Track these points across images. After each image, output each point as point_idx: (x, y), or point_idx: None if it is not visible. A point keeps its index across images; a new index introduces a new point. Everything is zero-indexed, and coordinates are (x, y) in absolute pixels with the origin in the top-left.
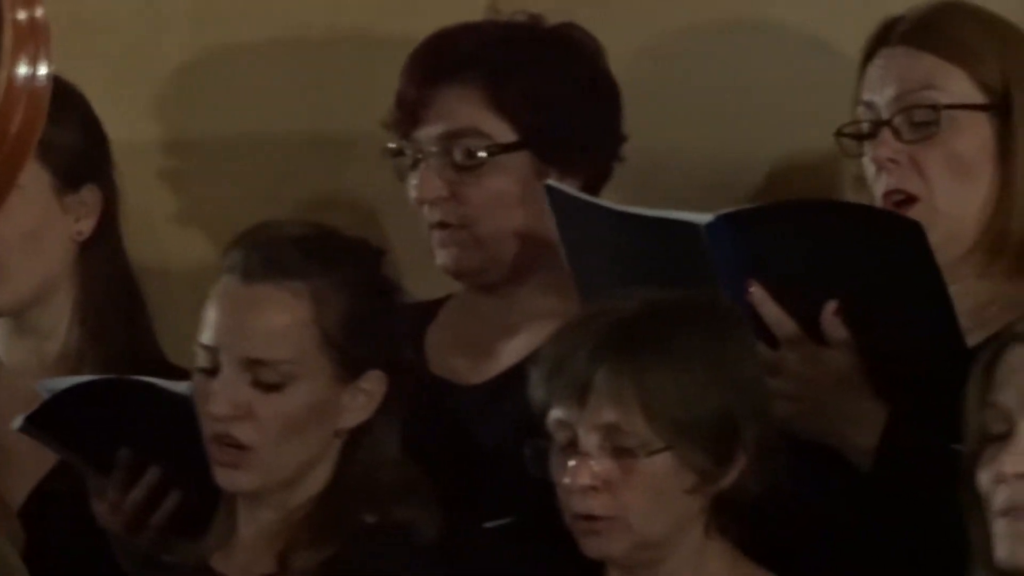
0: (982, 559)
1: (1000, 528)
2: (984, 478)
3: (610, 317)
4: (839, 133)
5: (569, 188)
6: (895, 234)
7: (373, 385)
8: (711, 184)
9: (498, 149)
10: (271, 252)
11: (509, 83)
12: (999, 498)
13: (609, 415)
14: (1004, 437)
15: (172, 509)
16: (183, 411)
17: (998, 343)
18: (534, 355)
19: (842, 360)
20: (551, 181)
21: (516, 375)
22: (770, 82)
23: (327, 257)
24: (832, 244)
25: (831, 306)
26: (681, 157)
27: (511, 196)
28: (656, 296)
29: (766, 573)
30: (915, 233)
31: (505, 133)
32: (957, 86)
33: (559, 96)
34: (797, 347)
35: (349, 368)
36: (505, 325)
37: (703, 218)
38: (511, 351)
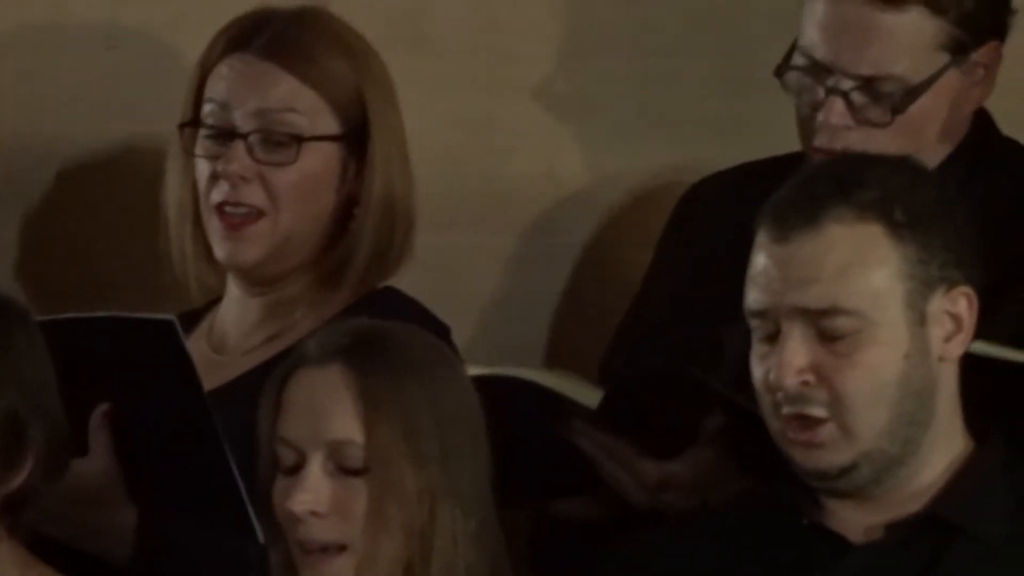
0: None
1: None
2: (280, 511)
3: None
4: (183, 125)
5: None
6: (149, 336)
7: None
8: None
9: None
10: None
11: None
12: (298, 534)
13: None
14: (296, 470)
15: None
16: None
17: (284, 368)
18: None
19: (95, 470)
20: None
21: None
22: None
23: None
24: (95, 354)
25: (99, 411)
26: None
27: None
28: None
29: (56, 574)
30: (167, 330)
31: None
32: (317, 113)
33: None
34: None
35: None
36: None
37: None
38: None
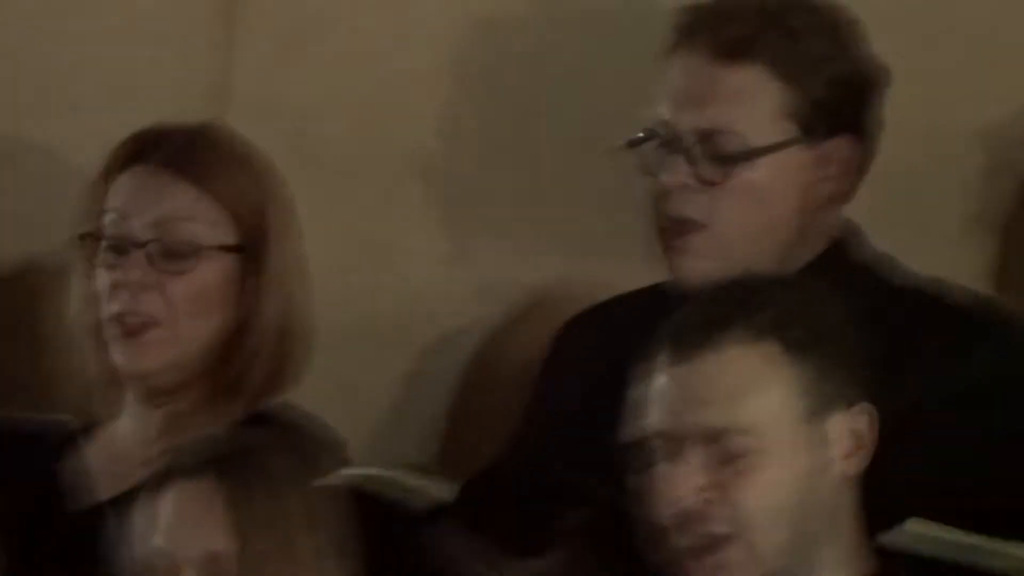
0: None
1: None
2: None
3: None
4: (84, 236)
5: None
6: (40, 438)
7: None
8: None
9: None
10: None
11: None
12: None
13: None
14: None
15: None
16: None
17: (155, 480)
18: None
19: None
20: None
21: None
22: None
23: None
24: None
25: None
26: None
27: None
28: None
29: None
30: (57, 433)
31: None
32: (216, 223)
33: None
34: None
35: None
36: None
37: None
38: None
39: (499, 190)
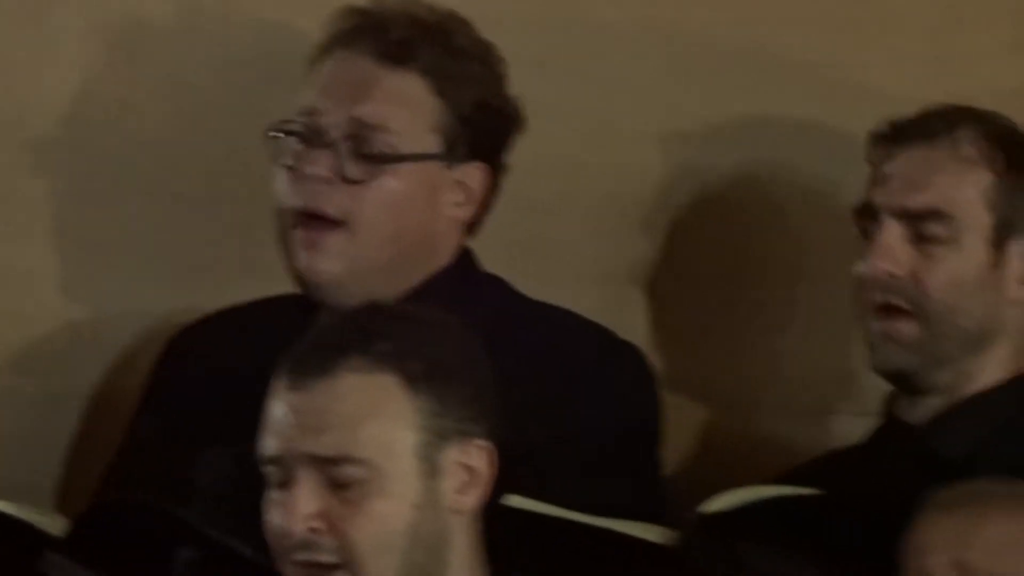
0: None
1: None
2: None
3: None
4: None
5: None
6: None
7: None
8: None
9: None
10: None
11: None
12: None
13: None
14: None
15: None
16: None
17: None
18: None
19: None
20: None
21: None
22: None
23: None
24: None
25: None
26: None
27: None
28: None
29: None
30: None
31: None
32: None
33: None
34: None
35: None
36: None
37: None
38: None
39: (125, 217)
